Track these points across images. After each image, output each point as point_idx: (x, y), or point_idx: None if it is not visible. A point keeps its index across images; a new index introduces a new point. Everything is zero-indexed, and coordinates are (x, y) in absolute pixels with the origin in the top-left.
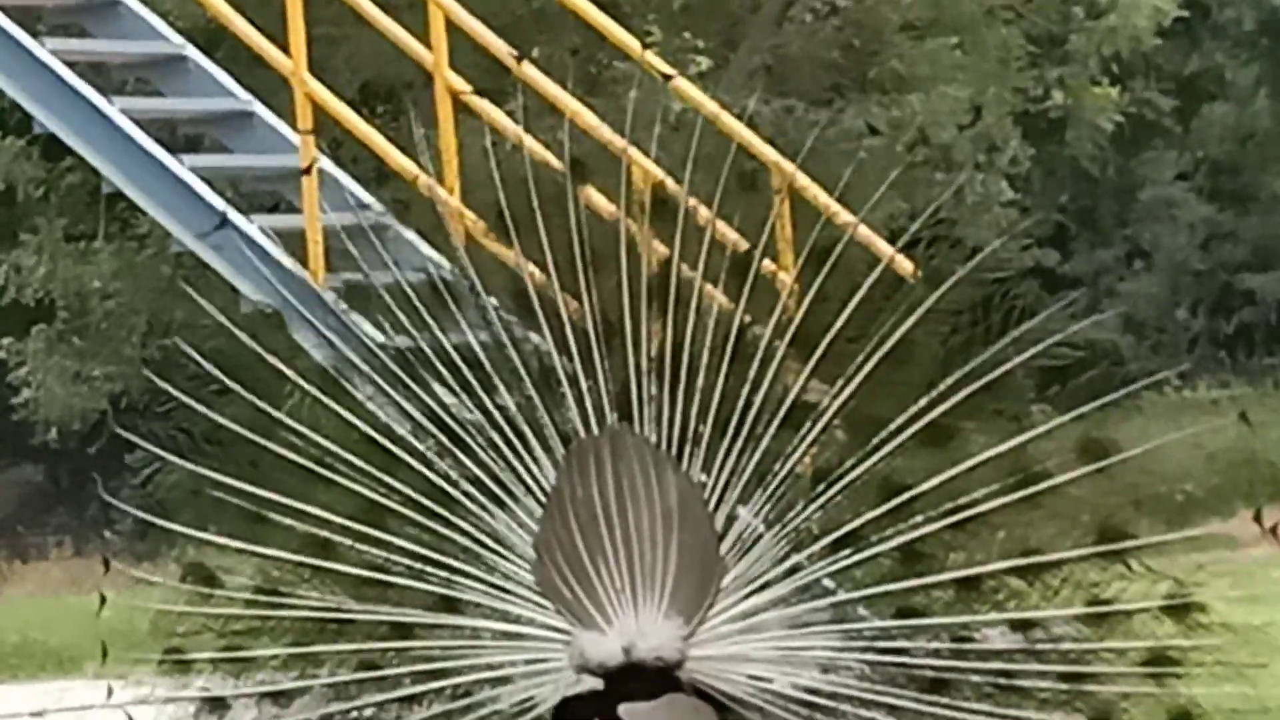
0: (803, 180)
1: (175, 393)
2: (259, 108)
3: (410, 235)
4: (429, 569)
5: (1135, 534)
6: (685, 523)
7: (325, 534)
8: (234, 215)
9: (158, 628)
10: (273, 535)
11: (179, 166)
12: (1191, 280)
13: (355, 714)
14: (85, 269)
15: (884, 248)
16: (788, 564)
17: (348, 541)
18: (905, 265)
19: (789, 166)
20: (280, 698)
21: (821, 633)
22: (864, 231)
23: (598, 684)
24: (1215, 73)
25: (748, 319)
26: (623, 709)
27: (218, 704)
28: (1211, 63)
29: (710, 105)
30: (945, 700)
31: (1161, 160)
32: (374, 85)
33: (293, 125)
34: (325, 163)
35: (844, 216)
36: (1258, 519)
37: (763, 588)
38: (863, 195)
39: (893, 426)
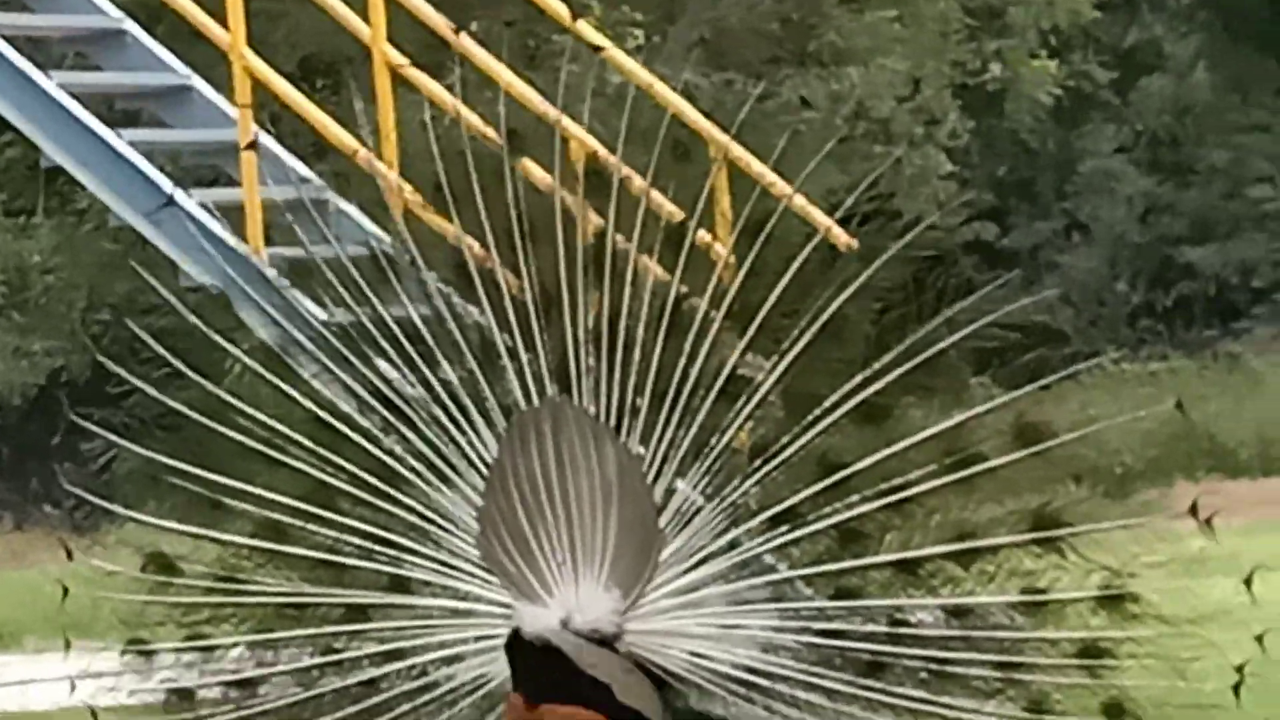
0: (739, 152)
1: (130, 377)
2: (198, 82)
3: (350, 209)
4: (378, 549)
5: (1070, 521)
6: (624, 495)
7: (278, 517)
8: (178, 193)
9: (119, 617)
10: (228, 520)
11: (118, 141)
12: (1130, 253)
13: (318, 699)
14: (25, 244)
15: (821, 219)
16: (726, 539)
17: (300, 524)
18: (842, 238)
19: (724, 138)
20: (245, 685)
21: (760, 611)
22: (800, 203)
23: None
24: (1154, 45)
25: (684, 291)
26: (555, 635)
27: (184, 692)
28: (1150, 35)
29: (645, 76)
30: (880, 685)
31: (1100, 133)
32: (313, 60)
33: (231, 100)
34: (264, 137)
35: (781, 188)
36: (1194, 511)
37: (702, 562)
38: (801, 168)
39: (828, 403)
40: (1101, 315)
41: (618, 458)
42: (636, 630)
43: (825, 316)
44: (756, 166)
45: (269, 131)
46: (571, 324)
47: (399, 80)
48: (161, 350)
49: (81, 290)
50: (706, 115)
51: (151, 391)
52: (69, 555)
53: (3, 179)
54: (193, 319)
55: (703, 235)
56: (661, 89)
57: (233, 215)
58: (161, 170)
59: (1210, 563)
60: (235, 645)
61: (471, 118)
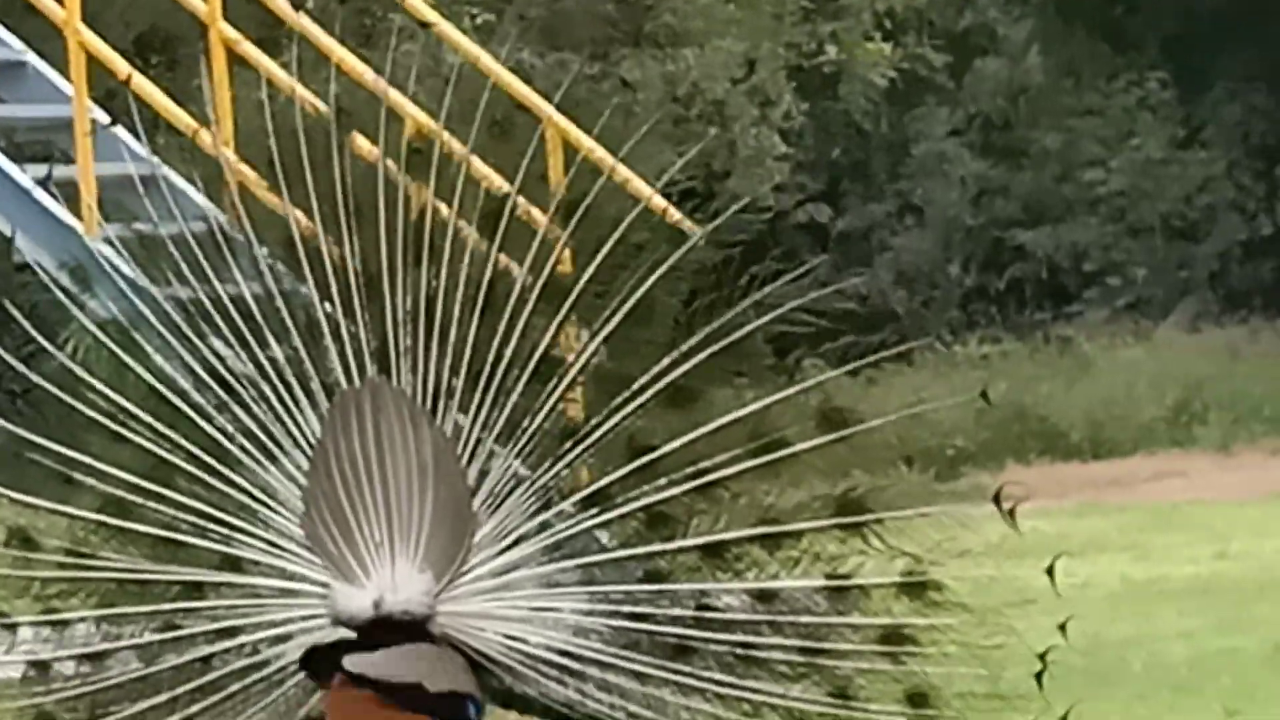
0: (563, 128)
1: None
2: (32, 57)
3: (185, 186)
4: (211, 526)
5: (873, 508)
6: (439, 477)
7: (121, 493)
8: (15, 173)
9: None
10: (78, 495)
11: None
12: (963, 236)
13: (159, 675)
14: None
15: (654, 201)
16: (538, 521)
17: (141, 501)
18: (676, 217)
19: (552, 113)
20: (94, 659)
21: (571, 594)
22: (640, 187)
23: (350, 635)
24: (988, 29)
25: (502, 269)
26: (348, 660)
27: (41, 666)
28: (984, 19)
29: (472, 50)
30: (688, 668)
31: (934, 116)
32: (148, 36)
33: (66, 75)
34: (98, 113)
35: (610, 165)
36: (997, 500)
37: (515, 545)
38: (635, 148)
39: (636, 386)
40: (934, 297)
41: (433, 439)
42: (449, 612)
43: (635, 297)
44: (586, 143)
45: (103, 108)
46: (391, 304)
47: (235, 58)
48: (25, 323)
49: None
50: (541, 94)
51: (17, 365)
52: None
53: None
54: (58, 293)
55: (534, 215)
56: (492, 65)
57: (66, 192)
58: None
59: (1037, 546)
60: (83, 620)
61: (306, 95)
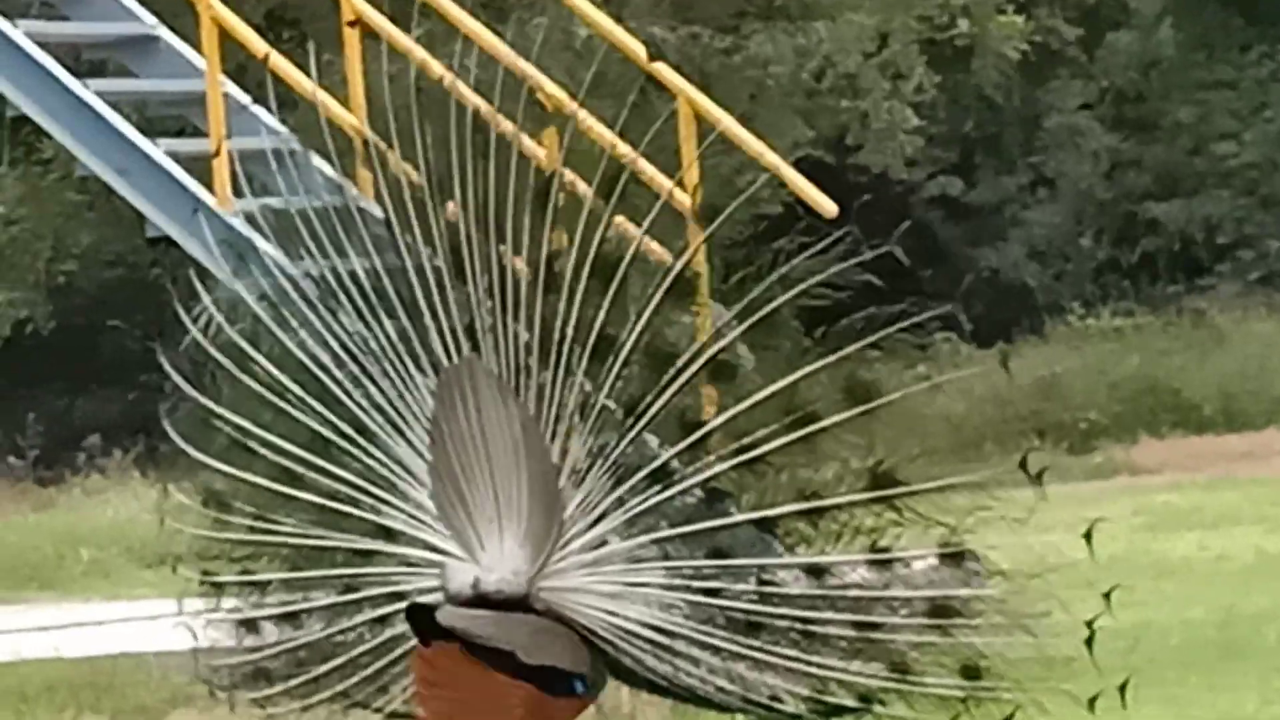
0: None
1: (190, 325)
2: (164, 32)
3: (317, 160)
4: (361, 497)
5: (906, 481)
6: (530, 453)
7: (288, 463)
8: (148, 147)
9: (195, 551)
10: (255, 464)
11: (87, 93)
12: (1095, 209)
13: (343, 634)
14: None
15: (800, 184)
16: (615, 496)
17: (304, 471)
18: (827, 207)
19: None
20: (291, 619)
21: (652, 569)
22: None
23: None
24: (1120, 1)
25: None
26: (441, 612)
27: (250, 624)
28: None
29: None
30: (758, 644)
31: (1066, 89)
32: (279, 11)
33: (198, 50)
34: (231, 88)
35: (748, 143)
36: (1023, 465)
37: (600, 520)
38: (769, 121)
39: (680, 362)
40: (1067, 270)
41: (521, 416)
42: (550, 587)
43: (673, 276)
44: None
45: (235, 82)
46: (475, 282)
47: (367, 32)
48: (206, 298)
49: (46, 241)
50: (678, 70)
51: (202, 340)
52: (165, 492)
53: None
54: (211, 265)
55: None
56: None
57: (199, 166)
58: (128, 120)
59: (1170, 519)
60: (273, 582)
61: (439, 70)
